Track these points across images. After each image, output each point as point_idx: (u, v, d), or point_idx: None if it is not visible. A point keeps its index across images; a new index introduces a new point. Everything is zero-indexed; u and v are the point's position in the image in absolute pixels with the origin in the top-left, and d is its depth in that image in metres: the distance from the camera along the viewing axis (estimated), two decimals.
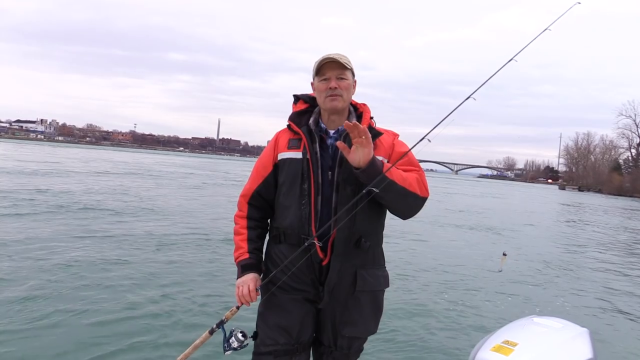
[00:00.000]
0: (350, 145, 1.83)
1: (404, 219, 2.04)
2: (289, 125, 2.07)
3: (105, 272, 5.37)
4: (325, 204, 1.95)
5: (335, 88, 1.95)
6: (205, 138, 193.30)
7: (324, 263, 1.96)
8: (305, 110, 2.10)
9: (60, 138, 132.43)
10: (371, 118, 2.08)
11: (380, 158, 1.93)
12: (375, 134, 2.00)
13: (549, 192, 61.05)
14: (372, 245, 2.01)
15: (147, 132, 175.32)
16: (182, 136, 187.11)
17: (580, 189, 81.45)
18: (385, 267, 2.15)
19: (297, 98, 2.14)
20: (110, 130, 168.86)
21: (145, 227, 8.61)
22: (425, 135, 1.94)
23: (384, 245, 2.14)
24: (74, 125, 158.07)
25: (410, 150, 1.99)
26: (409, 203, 1.92)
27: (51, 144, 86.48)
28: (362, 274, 2.01)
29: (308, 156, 1.95)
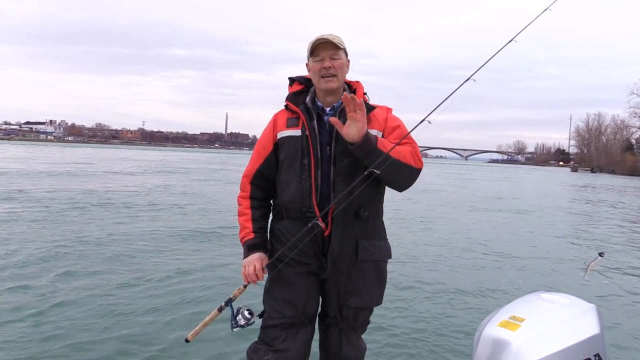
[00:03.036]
0: (344, 122, 1.89)
1: (400, 191, 2.08)
2: (286, 105, 2.12)
3: (136, 254, 5.51)
4: (324, 178, 2.00)
5: (330, 67, 2.00)
6: (214, 133, 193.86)
7: (326, 234, 2.00)
8: (301, 91, 2.15)
9: (70, 138, 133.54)
10: (365, 94, 2.13)
11: (374, 132, 1.98)
12: (369, 108, 2.05)
13: (561, 174, 60.42)
14: (371, 215, 2.05)
15: (155, 129, 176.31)
16: (190, 132, 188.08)
17: (592, 171, 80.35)
18: (387, 239, 2.19)
19: (292, 80, 2.19)
20: (119, 128, 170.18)
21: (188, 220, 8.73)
22: (425, 117, 1.97)
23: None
24: (83, 125, 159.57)
25: (404, 127, 2.04)
26: (404, 175, 1.96)
27: (62, 145, 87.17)
28: (363, 244, 2.05)
29: (307, 133, 2.01)
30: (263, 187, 2.16)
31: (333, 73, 2.00)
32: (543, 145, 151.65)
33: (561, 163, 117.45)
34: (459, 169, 53.34)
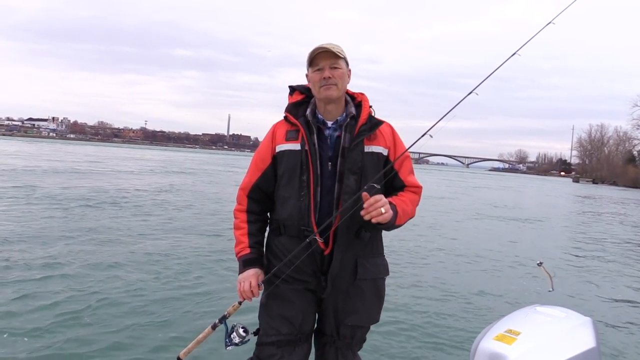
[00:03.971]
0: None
1: None
2: (286, 117, 2.05)
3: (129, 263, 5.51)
4: (325, 194, 1.95)
5: (329, 78, 1.94)
6: (216, 134, 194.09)
7: (326, 253, 1.95)
8: (302, 101, 2.08)
9: (71, 135, 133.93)
10: (370, 106, 2.06)
11: (379, 149, 1.99)
12: (376, 123, 2.02)
13: (562, 185, 60.37)
14: (371, 235, 2.00)
15: (157, 129, 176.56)
16: (192, 132, 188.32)
17: (594, 182, 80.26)
18: (384, 255, 2.14)
19: (293, 89, 2.12)
20: (121, 127, 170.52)
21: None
22: (427, 131, 1.94)
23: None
24: (85, 123, 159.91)
25: (408, 148, 2.04)
26: (403, 225, 2.03)
27: (63, 142, 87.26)
28: (362, 262, 2.00)
29: (306, 147, 1.94)
30: (260, 200, 2.09)
31: (333, 83, 1.94)
32: (545, 155, 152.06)
33: (562, 173, 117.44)
34: (461, 177, 53.29)
